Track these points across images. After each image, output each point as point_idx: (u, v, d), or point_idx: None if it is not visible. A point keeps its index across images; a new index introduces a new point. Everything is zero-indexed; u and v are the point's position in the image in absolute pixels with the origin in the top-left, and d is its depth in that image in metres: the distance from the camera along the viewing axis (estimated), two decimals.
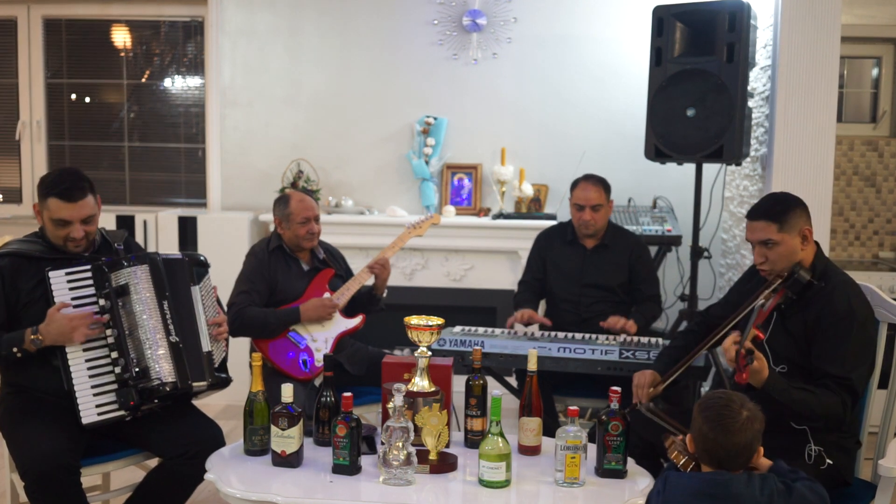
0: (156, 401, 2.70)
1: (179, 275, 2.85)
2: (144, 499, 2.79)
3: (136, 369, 2.66)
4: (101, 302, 2.68)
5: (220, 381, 2.85)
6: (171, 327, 2.74)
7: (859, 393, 2.54)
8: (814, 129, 3.78)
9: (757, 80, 4.27)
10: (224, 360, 2.90)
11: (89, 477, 2.74)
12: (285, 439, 2.47)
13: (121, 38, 5.54)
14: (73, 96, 5.61)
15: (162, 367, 2.70)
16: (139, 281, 2.73)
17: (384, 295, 3.72)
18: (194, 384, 2.76)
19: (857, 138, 5.03)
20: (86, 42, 5.56)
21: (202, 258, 2.98)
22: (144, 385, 2.66)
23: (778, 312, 2.63)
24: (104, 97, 5.62)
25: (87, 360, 2.66)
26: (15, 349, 2.64)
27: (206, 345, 2.83)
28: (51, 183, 2.75)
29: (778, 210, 2.61)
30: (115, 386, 2.66)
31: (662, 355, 3.04)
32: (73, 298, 2.67)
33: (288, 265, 3.59)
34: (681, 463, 2.16)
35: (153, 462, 2.87)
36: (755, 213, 2.65)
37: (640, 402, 2.80)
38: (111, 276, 2.70)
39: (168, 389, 2.69)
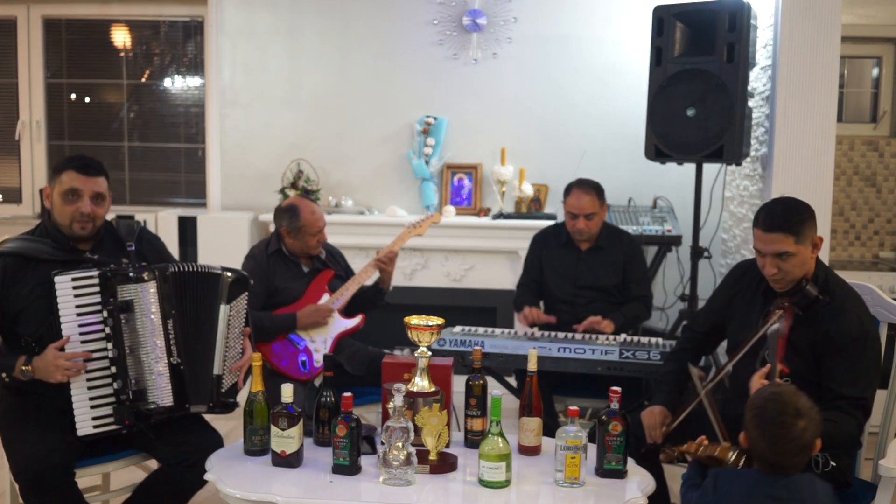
0: (152, 421, 2.67)
1: (202, 291, 2.80)
2: (142, 502, 2.77)
3: (134, 389, 2.63)
4: (105, 314, 2.64)
5: (224, 405, 2.81)
6: (174, 348, 2.70)
7: (871, 410, 2.53)
8: (814, 128, 3.78)
9: (757, 79, 4.27)
10: (234, 386, 2.86)
11: (89, 477, 2.73)
12: (285, 439, 2.46)
13: (121, 37, 5.54)
14: (73, 96, 5.61)
15: (160, 390, 2.67)
16: (145, 297, 2.68)
17: (390, 289, 3.71)
18: (192, 408, 2.74)
19: (857, 138, 5.03)
20: (85, 42, 5.56)
21: (244, 275, 2.91)
22: (140, 407, 2.64)
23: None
24: (104, 97, 5.62)
25: (86, 372, 2.62)
26: (4, 374, 2.63)
27: (217, 367, 2.79)
28: (68, 159, 2.80)
29: (795, 221, 2.52)
30: (112, 399, 2.63)
31: (661, 386, 2.87)
32: (77, 307, 2.62)
33: (287, 267, 3.57)
34: (732, 458, 2.14)
35: (153, 463, 2.85)
36: (770, 225, 2.53)
37: (655, 443, 2.68)
38: (117, 289, 2.64)
39: (164, 413, 2.67)
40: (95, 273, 2.65)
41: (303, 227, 3.51)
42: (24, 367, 2.59)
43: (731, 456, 2.16)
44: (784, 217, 2.54)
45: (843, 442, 2.46)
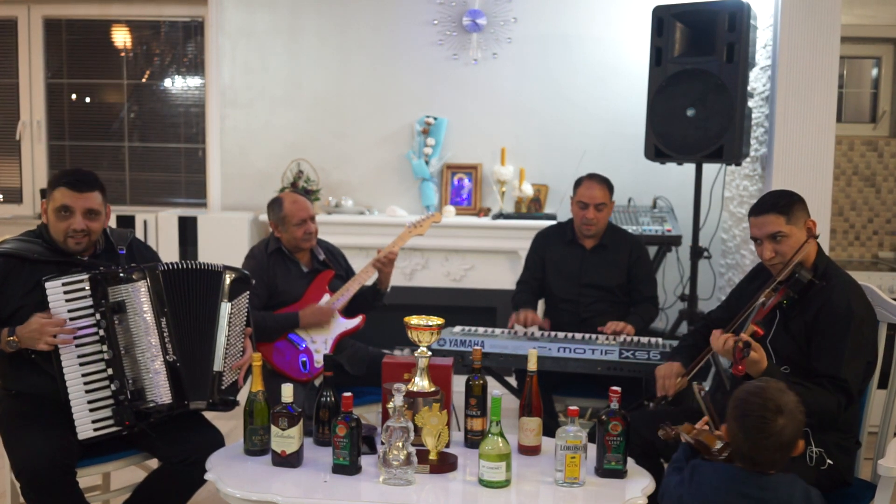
0: (152, 420, 2.67)
1: (198, 288, 2.79)
2: (143, 501, 2.77)
3: (132, 389, 2.63)
4: (97, 317, 2.63)
5: (224, 402, 2.80)
6: (169, 346, 2.70)
7: (854, 394, 2.53)
8: (813, 129, 3.78)
9: (757, 80, 4.27)
10: (235, 384, 2.85)
11: (89, 477, 2.73)
12: (285, 439, 2.46)
13: (121, 38, 5.55)
14: (74, 96, 5.61)
15: (159, 388, 2.66)
16: (137, 297, 2.67)
17: (388, 290, 3.72)
18: (191, 404, 2.73)
19: (856, 138, 5.03)
20: (86, 42, 5.56)
21: (245, 274, 2.91)
22: (140, 406, 2.64)
23: (780, 313, 2.63)
24: (104, 97, 5.62)
25: (83, 375, 2.61)
26: None
27: (218, 364, 2.79)
28: (61, 174, 2.79)
29: (783, 203, 2.64)
30: (111, 401, 2.63)
31: (678, 351, 3.00)
32: (70, 311, 2.62)
33: (287, 267, 3.58)
34: (716, 447, 2.11)
35: (153, 463, 2.86)
36: (761, 208, 2.66)
37: (667, 393, 2.77)
38: (108, 290, 2.64)
39: (164, 411, 2.67)
40: (85, 276, 2.64)
41: (285, 216, 3.55)
42: (9, 338, 2.58)
43: (717, 446, 2.13)
44: (773, 200, 2.67)
45: (815, 412, 2.42)
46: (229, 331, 2.83)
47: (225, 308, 2.83)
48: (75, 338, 2.62)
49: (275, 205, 3.60)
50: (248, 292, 2.91)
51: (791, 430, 1.99)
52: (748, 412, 2.00)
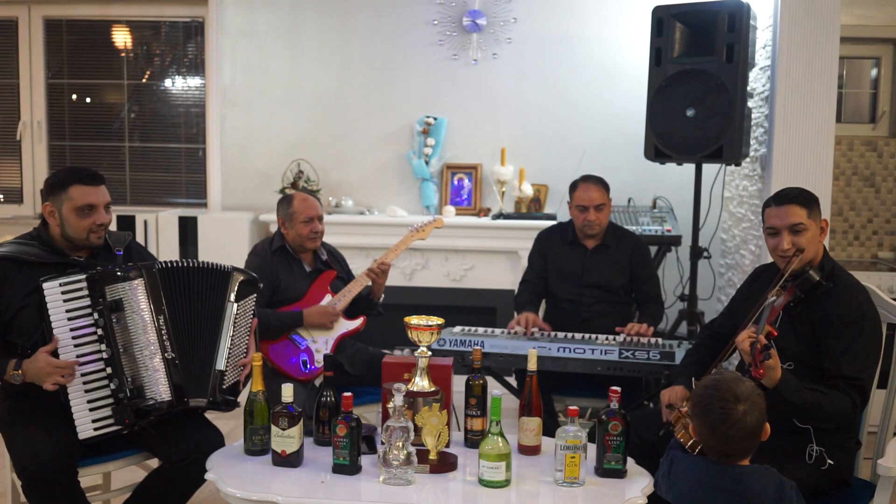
0: (152, 418, 2.67)
1: (200, 286, 2.80)
2: (143, 500, 2.78)
3: (131, 388, 2.63)
4: (95, 316, 2.63)
5: (225, 402, 2.79)
6: (167, 344, 2.70)
7: (869, 394, 2.54)
8: (813, 129, 3.79)
9: (756, 80, 4.28)
10: (236, 385, 2.85)
11: (90, 477, 2.74)
12: (285, 439, 2.47)
13: (121, 38, 5.55)
14: (74, 96, 5.61)
15: (158, 386, 2.66)
16: (134, 295, 2.67)
17: (381, 300, 3.71)
18: (191, 401, 2.72)
19: (856, 138, 5.03)
20: (86, 42, 5.57)
21: (254, 276, 2.92)
22: (139, 404, 2.63)
23: (784, 311, 2.63)
24: (105, 97, 5.62)
25: (82, 375, 2.61)
26: None
27: (220, 363, 2.78)
28: (68, 174, 2.79)
29: (805, 197, 2.66)
30: (111, 401, 2.63)
31: (681, 373, 2.93)
32: (68, 311, 2.62)
33: (290, 266, 3.59)
34: (688, 444, 2.14)
35: (154, 462, 2.86)
36: (783, 199, 2.65)
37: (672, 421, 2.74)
38: (105, 289, 2.64)
39: (164, 408, 2.67)
40: (83, 276, 2.64)
41: (294, 213, 3.56)
42: (14, 371, 2.59)
43: (689, 442, 2.16)
44: (795, 192, 2.68)
45: (833, 415, 2.46)
46: (234, 331, 2.83)
47: (231, 309, 2.83)
48: (73, 338, 2.62)
49: (285, 201, 3.62)
50: (255, 295, 2.92)
51: (754, 416, 2.00)
52: (708, 406, 2.02)
